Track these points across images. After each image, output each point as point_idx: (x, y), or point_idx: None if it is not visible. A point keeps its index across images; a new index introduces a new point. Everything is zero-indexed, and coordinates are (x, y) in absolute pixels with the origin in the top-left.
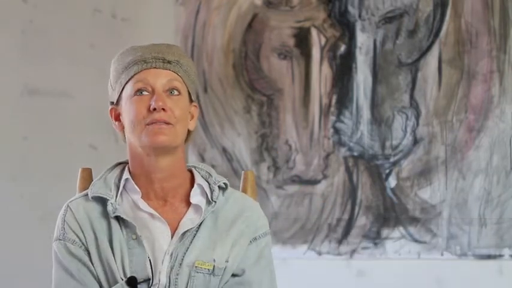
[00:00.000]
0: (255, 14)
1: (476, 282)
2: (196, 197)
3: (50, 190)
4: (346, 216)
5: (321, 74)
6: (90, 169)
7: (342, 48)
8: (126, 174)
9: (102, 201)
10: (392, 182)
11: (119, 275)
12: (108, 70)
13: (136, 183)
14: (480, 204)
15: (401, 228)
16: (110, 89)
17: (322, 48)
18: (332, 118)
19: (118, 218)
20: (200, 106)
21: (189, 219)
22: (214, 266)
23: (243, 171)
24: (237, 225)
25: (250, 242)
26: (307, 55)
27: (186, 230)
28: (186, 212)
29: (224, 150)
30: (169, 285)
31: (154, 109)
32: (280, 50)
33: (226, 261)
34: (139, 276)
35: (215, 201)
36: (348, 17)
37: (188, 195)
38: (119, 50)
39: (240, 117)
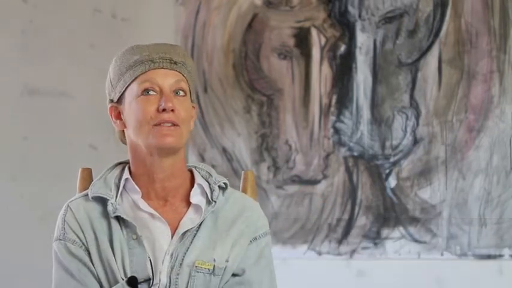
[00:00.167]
0: (255, 14)
1: (476, 282)
2: (196, 197)
3: (50, 190)
4: (346, 216)
5: (321, 74)
6: (90, 169)
7: (342, 48)
8: (126, 174)
9: (102, 201)
10: (392, 182)
11: (120, 275)
12: (108, 70)
13: (136, 183)
14: (480, 204)
15: (401, 228)
16: (108, 87)
17: (322, 48)
18: (332, 118)
19: (118, 218)
20: (200, 106)
21: (189, 219)
22: (214, 266)
23: (243, 171)
24: (237, 225)
25: (251, 241)
26: (307, 55)
27: (186, 229)
28: (186, 211)
29: (224, 150)
30: (169, 285)
31: (164, 110)
32: (280, 50)
33: (227, 261)
34: (140, 276)
35: (215, 201)
36: (348, 17)
37: (188, 195)
38: (119, 50)
39: (240, 117)
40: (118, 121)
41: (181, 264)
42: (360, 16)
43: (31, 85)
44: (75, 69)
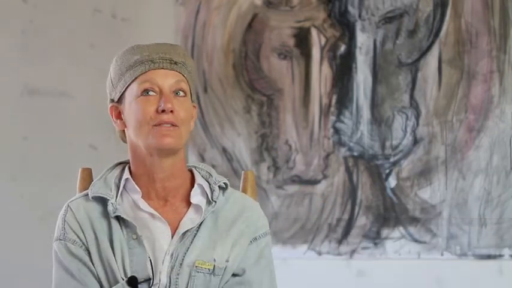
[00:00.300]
0: (255, 14)
1: (476, 282)
2: (196, 197)
3: (50, 190)
4: (346, 216)
5: (321, 74)
6: (90, 169)
7: (342, 48)
8: (126, 174)
9: (102, 201)
10: (392, 182)
11: (120, 274)
12: (108, 70)
13: (136, 183)
14: (480, 204)
15: (401, 228)
16: (109, 87)
17: (322, 48)
18: (332, 118)
19: (118, 218)
20: (200, 106)
21: (190, 219)
22: (214, 266)
23: (243, 171)
24: (237, 225)
25: (251, 242)
26: (307, 55)
27: (186, 229)
28: (186, 212)
29: (224, 150)
30: (169, 285)
31: (163, 110)
32: (280, 50)
33: (227, 261)
34: (140, 276)
35: (215, 201)
36: (348, 17)
37: (188, 195)
38: (119, 50)
39: (240, 117)
40: (118, 121)
41: (181, 264)
42: (360, 16)
43: (31, 85)
44: (75, 69)
